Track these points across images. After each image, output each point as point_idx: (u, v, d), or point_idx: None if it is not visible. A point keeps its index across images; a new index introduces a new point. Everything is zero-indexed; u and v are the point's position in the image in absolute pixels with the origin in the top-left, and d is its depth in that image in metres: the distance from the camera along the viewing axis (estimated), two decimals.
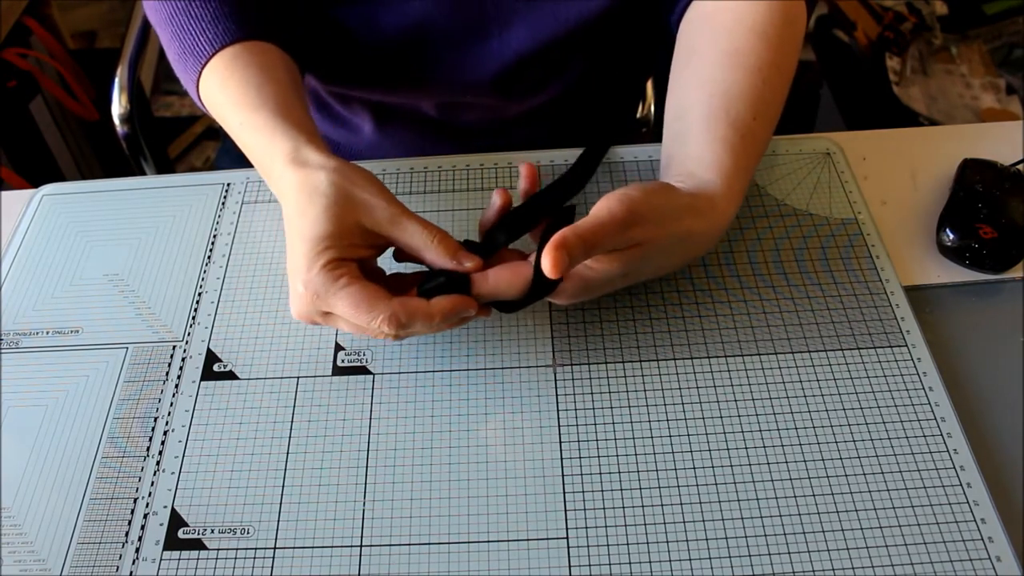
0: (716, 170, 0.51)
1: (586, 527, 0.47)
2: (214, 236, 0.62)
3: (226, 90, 0.54)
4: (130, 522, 0.48)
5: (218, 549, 0.47)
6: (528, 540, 0.46)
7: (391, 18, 0.63)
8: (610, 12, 0.62)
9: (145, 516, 0.48)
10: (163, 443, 0.51)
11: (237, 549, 0.47)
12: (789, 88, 0.56)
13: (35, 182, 0.77)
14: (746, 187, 0.54)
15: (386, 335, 0.47)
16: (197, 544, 0.47)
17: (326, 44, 0.66)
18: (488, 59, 0.65)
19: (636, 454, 0.49)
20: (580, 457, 0.49)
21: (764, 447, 0.49)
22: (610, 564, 0.45)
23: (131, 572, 0.46)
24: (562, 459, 0.49)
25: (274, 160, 0.50)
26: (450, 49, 0.65)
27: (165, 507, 0.48)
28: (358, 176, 0.49)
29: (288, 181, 0.49)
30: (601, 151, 0.63)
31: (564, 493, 0.48)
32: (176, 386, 0.54)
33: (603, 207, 0.46)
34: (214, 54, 0.55)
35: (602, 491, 0.48)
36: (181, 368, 0.54)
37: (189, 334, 0.56)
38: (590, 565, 0.45)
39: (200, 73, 0.55)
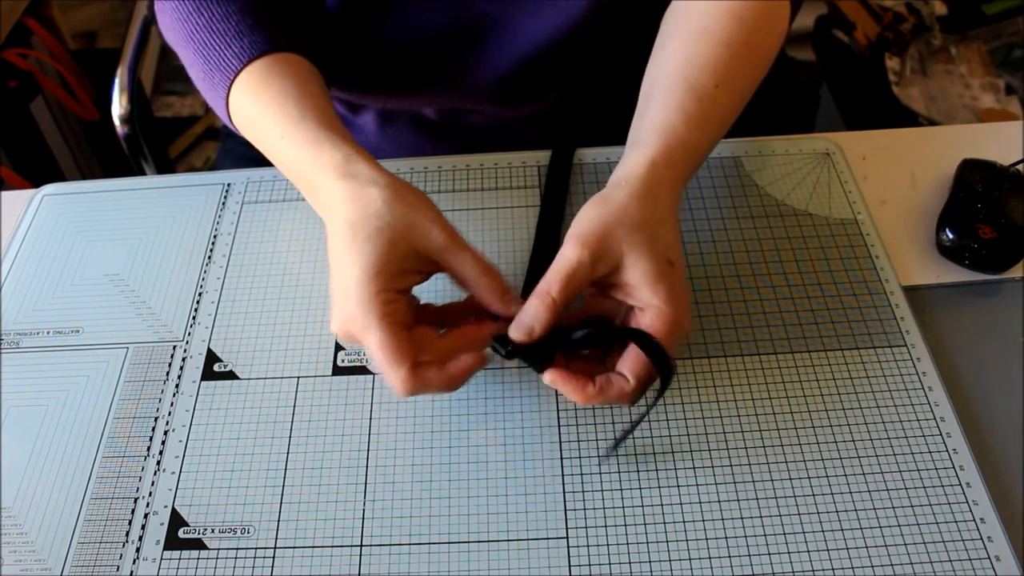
0: (656, 136, 0.49)
1: (586, 527, 0.47)
2: (214, 236, 0.62)
3: (260, 104, 0.52)
4: (130, 522, 0.48)
5: (218, 549, 0.47)
6: (528, 540, 0.46)
7: (389, 29, 0.63)
8: (605, 12, 0.63)
9: (145, 516, 0.48)
10: (163, 443, 0.51)
11: (237, 549, 0.47)
12: (764, 71, 0.55)
13: (36, 182, 0.77)
14: (703, 151, 0.51)
15: (401, 384, 0.45)
16: (197, 544, 0.47)
17: (327, 52, 0.66)
18: (486, 68, 0.65)
19: (636, 454, 0.49)
20: (580, 457, 0.49)
21: (764, 447, 0.49)
22: (610, 564, 0.45)
23: (131, 572, 0.46)
24: (562, 459, 0.49)
25: (321, 174, 0.48)
26: (448, 59, 0.65)
27: (165, 507, 0.48)
28: (412, 196, 0.46)
29: (338, 195, 0.47)
30: (562, 194, 0.62)
31: (564, 493, 0.48)
32: (176, 386, 0.54)
33: (560, 257, 0.45)
34: (242, 68, 0.53)
35: (602, 491, 0.48)
36: (181, 368, 0.54)
37: (189, 334, 0.56)
38: (590, 565, 0.45)
39: (229, 88, 0.54)
